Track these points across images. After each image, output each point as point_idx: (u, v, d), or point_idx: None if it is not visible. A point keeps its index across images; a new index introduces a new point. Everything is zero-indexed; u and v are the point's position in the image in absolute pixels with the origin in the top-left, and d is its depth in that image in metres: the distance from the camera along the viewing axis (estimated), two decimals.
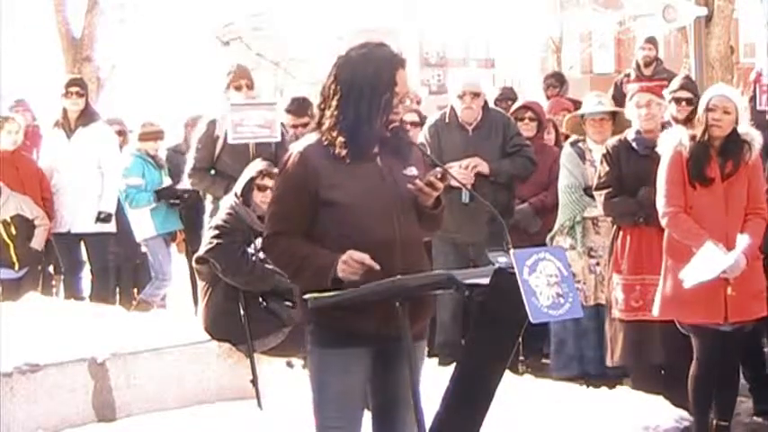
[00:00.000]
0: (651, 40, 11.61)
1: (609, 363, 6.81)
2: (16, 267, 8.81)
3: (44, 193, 9.03)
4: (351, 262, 3.92)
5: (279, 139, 7.69)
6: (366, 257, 3.92)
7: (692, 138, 5.99)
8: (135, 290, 9.95)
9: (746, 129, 6.06)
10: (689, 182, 5.96)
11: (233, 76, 8.12)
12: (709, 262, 5.78)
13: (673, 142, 6.07)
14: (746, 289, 5.92)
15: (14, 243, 8.77)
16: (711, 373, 6.03)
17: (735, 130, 5.97)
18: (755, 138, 6.03)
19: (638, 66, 11.41)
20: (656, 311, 6.15)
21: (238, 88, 8.05)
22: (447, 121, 7.71)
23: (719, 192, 5.94)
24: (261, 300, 6.43)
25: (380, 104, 4.02)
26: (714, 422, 6.12)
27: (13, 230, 8.76)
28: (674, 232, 5.99)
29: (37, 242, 8.86)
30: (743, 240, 5.79)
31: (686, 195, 5.97)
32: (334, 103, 4.05)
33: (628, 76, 11.47)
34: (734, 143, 5.96)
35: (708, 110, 5.95)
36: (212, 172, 7.86)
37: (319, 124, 4.14)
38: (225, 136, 7.71)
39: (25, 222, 8.82)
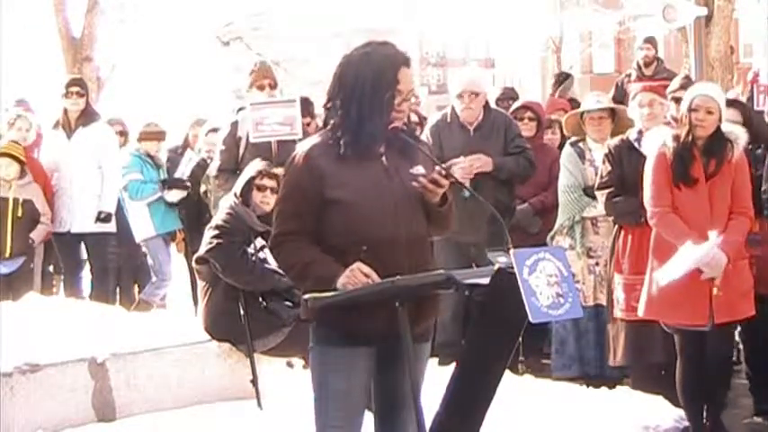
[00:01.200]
0: (650, 40, 11.64)
1: (612, 363, 6.81)
2: (8, 254, 8.62)
3: (46, 192, 9.02)
4: (358, 273, 3.92)
5: (300, 135, 7.54)
6: (373, 273, 3.92)
7: (676, 138, 5.97)
8: (136, 290, 9.96)
9: (730, 127, 6.03)
10: (673, 182, 5.94)
11: (255, 75, 8.02)
12: (683, 259, 5.77)
13: (658, 142, 6.06)
14: (733, 288, 5.90)
15: (15, 228, 8.65)
16: (697, 371, 6.01)
17: (718, 129, 5.94)
18: (739, 135, 5.99)
19: (638, 66, 11.44)
20: (640, 312, 6.15)
21: (261, 88, 7.94)
22: (449, 120, 7.71)
23: (703, 192, 5.91)
24: (261, 300, 6.43)
25: (383, 103, 4.02)
26: (710, 421, 6.11)
27: (20, 212, 8.68)
28: (664, 232, 5.98)
29: (36, 235, 8.79)
30: (713, 236, 5.75)
31: (671, 196, 5.95)
32: (338, 102, 4.07)
33: (629, 76, 11.50)
34: (717, 142, 5.93)
35: (691, 110, 5.92)
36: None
37: (325, 124, 4.15)
38: (247, 136, 7.66)
39: (33, 212, 8.73)
